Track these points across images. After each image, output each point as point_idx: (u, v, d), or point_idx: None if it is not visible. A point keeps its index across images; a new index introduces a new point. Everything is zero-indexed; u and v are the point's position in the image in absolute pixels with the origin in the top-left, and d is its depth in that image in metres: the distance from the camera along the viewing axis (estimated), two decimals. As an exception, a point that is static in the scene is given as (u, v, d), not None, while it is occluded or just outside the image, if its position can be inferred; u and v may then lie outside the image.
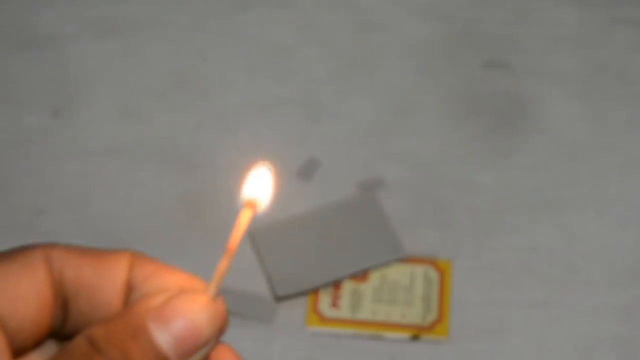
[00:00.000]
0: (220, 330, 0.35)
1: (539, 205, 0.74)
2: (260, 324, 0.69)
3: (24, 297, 0.34)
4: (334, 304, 0.69)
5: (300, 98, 0.80)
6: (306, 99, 0.80)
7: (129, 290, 0.36)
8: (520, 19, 0.84)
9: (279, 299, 0.69)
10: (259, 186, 0.39)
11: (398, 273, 0.71)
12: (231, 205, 0.75)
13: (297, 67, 0.82)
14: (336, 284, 0.70)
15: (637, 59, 0.82)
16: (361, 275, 0.70)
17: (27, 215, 0.74)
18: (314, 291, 0.70)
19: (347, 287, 0.70)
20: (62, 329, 0.36)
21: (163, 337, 0.34)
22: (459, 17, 0.84)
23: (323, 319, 0.69)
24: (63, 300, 0.36)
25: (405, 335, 0.68)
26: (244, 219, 0.38)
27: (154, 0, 0.85)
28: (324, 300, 0.69)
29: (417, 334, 0.68)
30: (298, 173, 0.76)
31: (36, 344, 0.36)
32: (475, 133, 0.78)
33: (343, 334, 0.68)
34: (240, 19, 0.84)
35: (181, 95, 0.80)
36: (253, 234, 0.72)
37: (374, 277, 0.70)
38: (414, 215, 0.74)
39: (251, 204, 0.38)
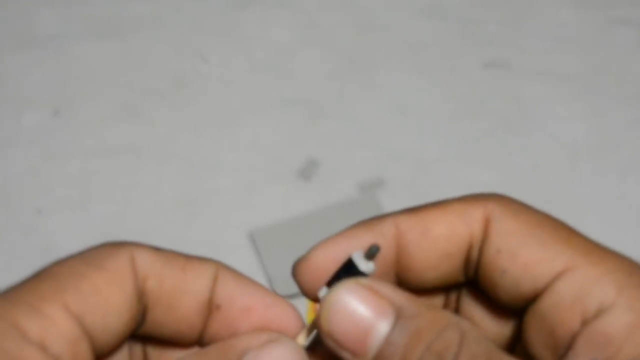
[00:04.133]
0: None
1: (539, 205, 0.74)
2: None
3: (115, 312, 0.34)
4: (334, 304, 0.69)
5: (300, 98, 0.80)
6: (306, 99, 0.80)
7: (212, 307, 0.36)
8: (520, 19, 0.84)
9: (279, 299, 0.69)
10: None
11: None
12: (231, 205, 0.75)
13: (297, 67, 0.82)
14: (336, 284, 0.70)
15: (637, 59, 0.82)
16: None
17: (27, 215, 0.74)
18: (314, 291, 0.70)
19: (347, 287, 0.70)
20: (135, 331, 0.36)
21: None
22: (459, 17, 0.84)
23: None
24: (143, 309, 0.36)
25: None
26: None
27: (154, 0, 0.85)
28: (324, 300, 0.69)
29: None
30: (298, 173, 0.76)
31: (113, 351, 0.36)
32: (475, 133, 0.78)
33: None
34: (240, 19, 0.84)
35: (181, 95, 0.80)
36: (253, 234, 0.72)
37: (374, 277, 0.70)
38: (414, 215, 0.74)
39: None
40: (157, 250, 0.36)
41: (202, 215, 0.74)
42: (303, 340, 0.37)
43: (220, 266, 0.37)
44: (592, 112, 0.79)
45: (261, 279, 0.70)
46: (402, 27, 0.84)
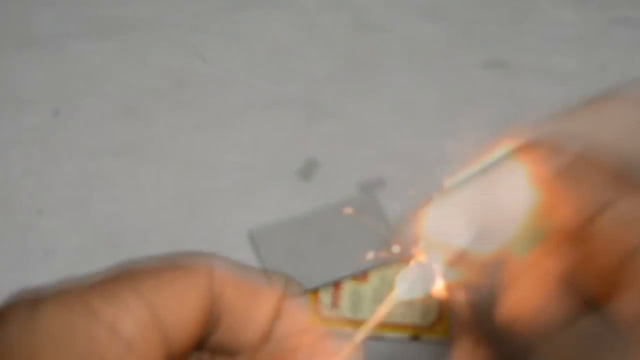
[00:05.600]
0: None
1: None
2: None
3: (187, 310, 0.34)
4: (334, 304, 0.69)
5: (300, 98, 0.80)
6: (306, 99, 0.80)
7: (269, 333, 0.37)
8: (520, 19, 0.84)
9: (279, 299, 0.69)
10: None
11: (398, 273, 0.70)
12: (231, 205, 0.75)
13: (297, 67, 0.82)
14: (336, 284, 0.70)
15: (637, 59, 0.82)
16: (361, 275, 0.70)
17: (27, 215, 0.74)
18: (314, 291, 0.70)
19: (347, 287, 0.70)
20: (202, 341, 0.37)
21: None
22: (459, 17, 0.84)
23: (323, 319, 0.69)
24: (214, 320, 0.36)
25: (405, 335, 0.68)
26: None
27: (154, 0, 0.85)
28: (324, 300, 0.69)
29: (417, 334, 0.68)
30: (298, 173, 0.76)
31: (185, 353, 0.36)
32: (475, 133, 0.78)
33: (343, 334, 0.68)
34: (240, 19, 0.84)
35: (181, 95, 0.80)
36: (253, 234, 0.72)
37: (374, 277, 0.70)
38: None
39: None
40: (231, 263, 0.37)
41: (202, 215, 0.74)
42: None
43: (285, 295, 0.37)
44: (592, 112, 0.79)
45: (261, 279, 0.70)
46: (402, 27, 0.84)
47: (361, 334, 0.38)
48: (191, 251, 0.36)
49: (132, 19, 0.84)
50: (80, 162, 0.76)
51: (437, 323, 0.68)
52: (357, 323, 0.69)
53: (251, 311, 0.36)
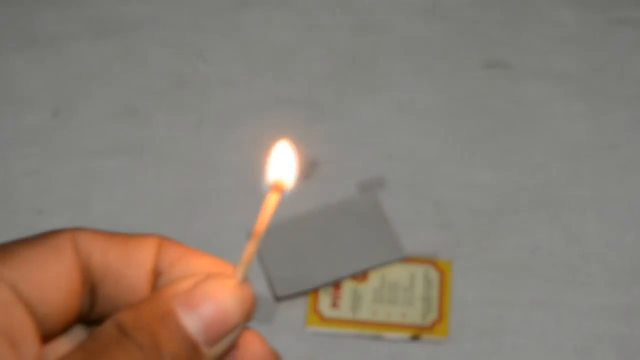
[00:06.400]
0: (248, 314, 0.35)
1: (539, 205, 0.74)
2: (260, 324, 0.69)
3: (52, 282, 0.34)
4: (334, 304, 0.69)
5: (300, 98, 0.80)
6: (306, 99, 0.80)
7: (157, 274, 0.36)
8: (520, 19, 0.84)
9: (279, 299, 0.69)
10: (283, 166, 0.38)
11: (398, 273, 0.71)
12: (231, 205, 0.75)
13: (297, 67, 0.82)
14: (336, 284, 0.70)
15: (636, 59, 0.82)
16: (361, 275, 0.70)
17: (27, 215, 0.74)
18: (314, 291, 0.70)
19: (347, 287, 0.70)
20: (89, 313, 0.36)
21: (192, 321, 0.34)
22: (459, 17, 0.84)
23: (323, 319, 0.69)
24: (90, 285, 0.36)
25: (405, 335, 0.68)
26: (270, 203, 0.37)
27: (154, 0, 0.85)
28: (324, 300, 0.69)
29: (417, 334, 0.68)
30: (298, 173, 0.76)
31: (65, 329, 0.36)
32: (475, 133, 0.78)
33: (343, 334, 0.68)
34: (240, 19, 0.84)
35: (181, 95, 0.80)
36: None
37: (374, 277, 0.70)
38: (414, 215, 0.74)
39: (277, 187, 0.37)
40: (98, 230, 0.37)
41: (202, 215, 0.74)
42: (239, 275, 0.36)
43: (163, 237, 0.37)
44: (592, 112, 0.79)
45: (261, 279, 0.70)
46: (402, 27, 0.84)
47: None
48: (53, 230, 0.36)
49: (132, 19, 0.84)
50: (80, 162, 0.76)
51: (437, 323, 0.68)
52: (357, 323, 0.69)
53: (126, 263, 0.36)
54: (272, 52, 0.83)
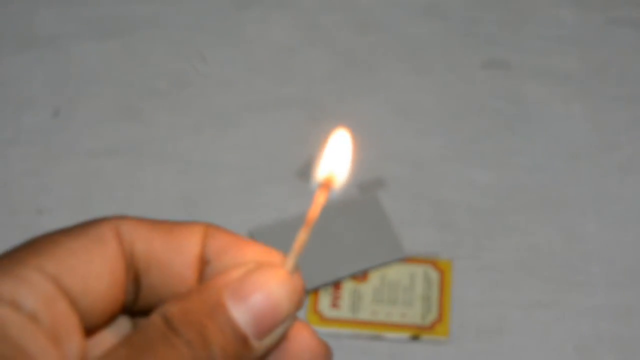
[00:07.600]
0: (299, 306, 0.34)
1: (539, 205, 0.74)
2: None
3: (95, 273, 0.33)
4: (334, 304, 0.69)
5: (300, 98, 0.80)
6: (306, 99, 0.80)
7: (203, 263, 0.35)
8: (520, 19, 0.84)
9: (279, 299, 0.69)
10: (335, 161, 0.37)
11: (398, 273, 0.71)
12: (231, 205, 0.75)
13: (297, 67, 0.82)
14: (336, 284, 0.70)
15: (636, 59, 0.82)
16: (361, 275, 0.70)
17: (27, 215, 0.74)
18: (314, 291, 0.70)
19: (347, 287, 0.70)
20: (134, 304, 0.35)
21: (241, 314, 0.33)
22: (459, 17, 0.84)
23: (323, 319, 0.69)
24: (135, 275, 0.35)
25: (405, 335, 0.68)
26: (320, 199, 0.37)
27: (154, 0, 0.85)
28: (324, 300, 0.69)
29: (417, 334, 0.68)
30: (298, 173, 0.76)
31: (109, 321, 0.35)
32: (474, 133, 0.78)
33: (343, 334, 0.68)
34: (240, 19, 0.84)
35: (181, 95, 0.80)
36: (253, 234, 0.72)
37: (374, 277, 0.70)
38: (414, 215, 0.74)
39: (327, 184, 0.37)
40: (142, 218, 0.35)
41: (202, 215, 0.74)
42: (289, 265, 0.35)
43: (210, 225, 0.36)
44: (592, 112, 0.79)
45: (261, 279, 0.70)
46: (402, 27, 0.84)
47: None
48: (96, 218, 0.35)
49: (132, 19, 0.84)
50: (80, 162, 0.76)
51: (437, 323, 0.68)
52: (357, 323, 0.69)
53: (171, 251, 0.35)
54: (272, 52, 0.83)
